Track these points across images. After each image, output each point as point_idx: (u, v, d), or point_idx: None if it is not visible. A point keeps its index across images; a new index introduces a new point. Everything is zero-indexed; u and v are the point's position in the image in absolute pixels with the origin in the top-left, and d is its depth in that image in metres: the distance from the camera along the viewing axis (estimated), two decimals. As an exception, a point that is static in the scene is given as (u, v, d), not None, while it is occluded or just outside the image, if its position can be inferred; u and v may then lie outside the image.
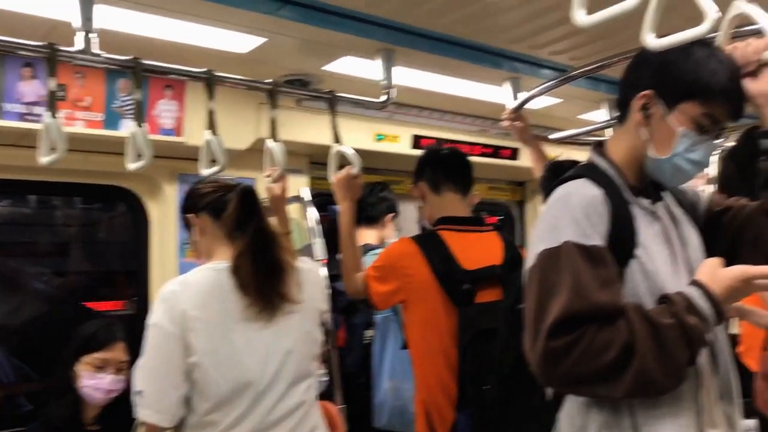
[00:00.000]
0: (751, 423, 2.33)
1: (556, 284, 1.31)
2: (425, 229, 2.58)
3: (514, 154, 4.14)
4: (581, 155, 1.61)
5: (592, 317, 1.28)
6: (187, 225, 1.98)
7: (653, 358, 1.25)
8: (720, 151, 2.98)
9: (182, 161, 3.00)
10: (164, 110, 2.74)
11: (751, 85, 1.48)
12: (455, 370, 2.25)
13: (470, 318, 2.23)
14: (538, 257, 1.37)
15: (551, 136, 3.40)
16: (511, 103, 2.96)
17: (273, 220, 2.18)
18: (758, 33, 1.51)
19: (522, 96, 2.89)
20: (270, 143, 2.31)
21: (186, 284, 1.79)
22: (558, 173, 1.59)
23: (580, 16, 1.26)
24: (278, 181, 2.29)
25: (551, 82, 2.70)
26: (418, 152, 3.45)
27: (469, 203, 2.55)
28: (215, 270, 1.82)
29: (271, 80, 2.37)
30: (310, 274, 2.00)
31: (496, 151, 4.06)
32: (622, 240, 1.40)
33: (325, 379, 2.51)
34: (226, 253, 1.85)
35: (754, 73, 1.48)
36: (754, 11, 1.48)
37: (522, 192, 4.88)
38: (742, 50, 1.49)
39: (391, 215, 3.24)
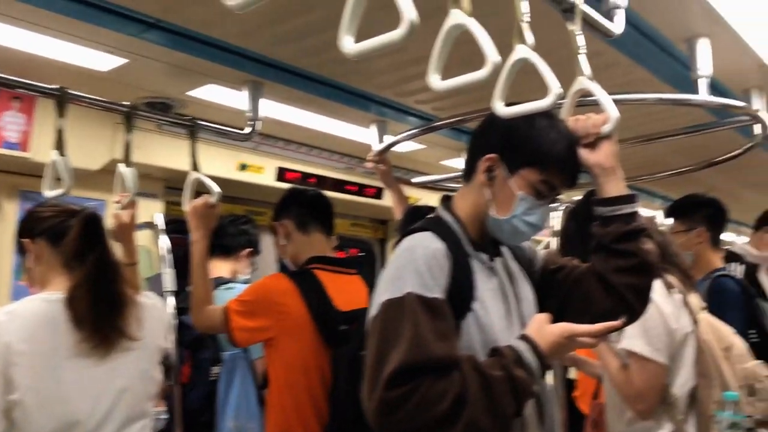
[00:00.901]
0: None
1: (396, 335, 1.33)
2: (284, 266, 2.55)
3: (378, 193, 4.22)
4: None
5: (429, 369, 1.30)
6: (21, 250, 1.84)
7: (483, 409, 1.29)
8: (564, 207, 3.19)
9: (27, 177, 2.81)
10: (10, 122, 2.56)
11: (588, 156, 1.56)
12: (320, 410, 2.20)
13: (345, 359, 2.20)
14: (381, 307, 1.39)
15: (414, 180, 3.51)
16: (376, 146, 3.03)
17: (119, 249, 2.08)
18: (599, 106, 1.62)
19: (387, 139, 2.97)
20: (122, 168, 2.21)
21: (13, 314, 1.66)
22: (416, 218, 1.63)
23: (435, 81, 1.31)
24: (127, 209, 2.19)
25: (415, 130, 2.80)
26: (283, 185, 3.45)
27: (331, 245, 2.56)
28: (47, 301, 1.70)
29: (128, 103, 2.28)
30: (153, 310, 1.91)
31: (360, 190, 4.12)
32: (460, 293, 1.44)
33: (166, 416, 2.41)
34: (62, 284, 1.74)
35: (592, 145, 1.57)
36: (595, 88, 1.59)
37: (384, 230, 4.97)
38: (583, 123, 1.57)
39: (248, 250, 3.16)
